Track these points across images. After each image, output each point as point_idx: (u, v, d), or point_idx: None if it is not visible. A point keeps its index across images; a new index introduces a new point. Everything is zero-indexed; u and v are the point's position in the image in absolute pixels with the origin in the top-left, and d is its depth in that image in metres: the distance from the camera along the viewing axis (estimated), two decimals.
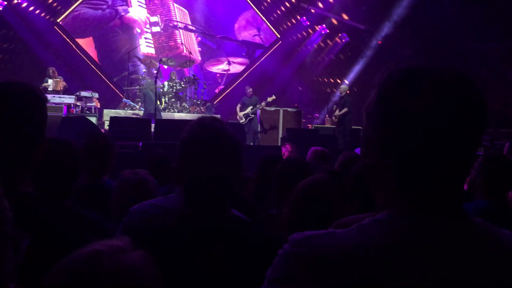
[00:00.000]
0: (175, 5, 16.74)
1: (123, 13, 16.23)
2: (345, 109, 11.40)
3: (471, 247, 0.84)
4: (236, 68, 16.90)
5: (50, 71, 11.91)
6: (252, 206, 2.77)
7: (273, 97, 12.17)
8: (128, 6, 16.32)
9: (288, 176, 2.67)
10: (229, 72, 16.07)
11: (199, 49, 16.87)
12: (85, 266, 0.76)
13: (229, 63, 15.92)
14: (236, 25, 17.36)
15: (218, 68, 16.33)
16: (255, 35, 17.46)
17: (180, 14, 16.86)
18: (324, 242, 0.84)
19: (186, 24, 16.77)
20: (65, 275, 0.77)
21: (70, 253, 0.83)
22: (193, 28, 16.70)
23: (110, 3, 16.17)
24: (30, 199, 1.49)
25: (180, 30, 16.70)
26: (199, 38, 16.83)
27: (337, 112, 11.63)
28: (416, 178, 0.85)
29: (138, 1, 16.47)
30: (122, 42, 16.11)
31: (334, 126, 11.92)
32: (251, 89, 12.58)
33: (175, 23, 16.61)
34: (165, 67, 14.00)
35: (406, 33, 12.16)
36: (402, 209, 0.86)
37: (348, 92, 11.87)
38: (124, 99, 12.97)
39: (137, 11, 16.44)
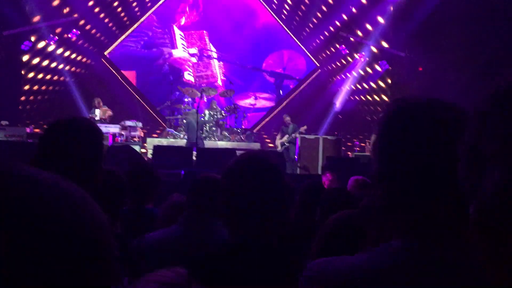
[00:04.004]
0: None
1: (167, 55, 16.92)
2: None
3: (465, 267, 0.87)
4: (262, 103, 17.25)
5: (96, 101, 12.24)
6: (294, 235, 2.76)
7: (305, 127, 12.46)
8: (174, 48, 17.03)
9: (332, 206, 2.65)
10: (255, 106, 16.19)
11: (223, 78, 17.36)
12: None
13: (255, 98, 16.03)
14: (264, 64, 17.90)
15: (245, 102, 16.51)
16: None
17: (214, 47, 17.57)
18: (332, 265, 0.93)
19: (220, 53, 17.26)
20: None
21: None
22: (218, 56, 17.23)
23: (151, 35, 16.84)
24: None
25: (215, 61, 17.22)
26: (225, 78, 17.29)
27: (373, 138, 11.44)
28: (408, 210, 0.92)
29: (181, 40, 17.10)
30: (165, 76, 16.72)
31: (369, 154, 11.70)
32: (288, 118, 12.68)
33: (210, 53, 17.17)
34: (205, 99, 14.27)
35: (449, 58, 11.94)
36: (406, 237, 0.92)
37: None
38: (168, 129, 13.26)
39: (181, 52, 17.12)
